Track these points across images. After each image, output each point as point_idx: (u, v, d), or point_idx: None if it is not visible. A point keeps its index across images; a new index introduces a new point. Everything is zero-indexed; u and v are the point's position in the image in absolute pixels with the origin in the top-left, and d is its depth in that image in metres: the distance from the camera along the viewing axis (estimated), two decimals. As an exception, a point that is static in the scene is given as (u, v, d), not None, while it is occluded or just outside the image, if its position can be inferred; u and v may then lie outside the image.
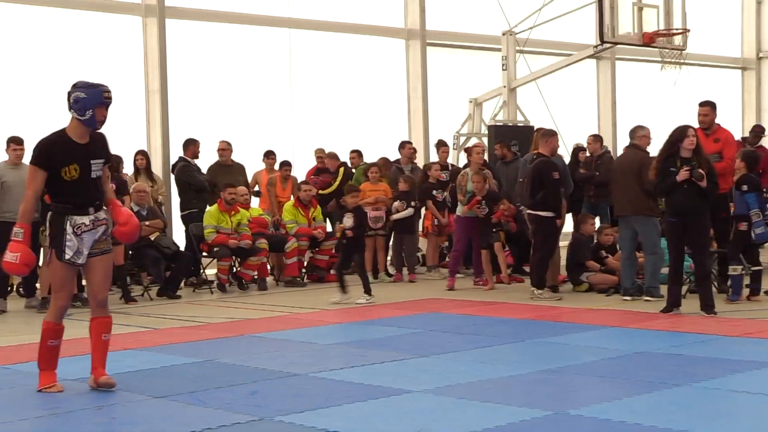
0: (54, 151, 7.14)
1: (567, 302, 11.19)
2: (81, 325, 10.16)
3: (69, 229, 7.00)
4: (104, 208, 7.26)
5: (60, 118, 13.24)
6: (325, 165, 15.18)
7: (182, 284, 13.11)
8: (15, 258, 6.90)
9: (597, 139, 14.61)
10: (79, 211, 7.05)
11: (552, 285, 11.74)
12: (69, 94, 7.36)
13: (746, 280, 10.76)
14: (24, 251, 6.93)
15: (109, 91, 7.35)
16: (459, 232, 13.19)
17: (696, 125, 10.65)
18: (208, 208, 13.20)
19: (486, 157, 14.73)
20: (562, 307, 10.78)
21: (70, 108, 7.33)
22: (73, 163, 7.14)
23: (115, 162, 12.40)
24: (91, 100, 7.28)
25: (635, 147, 11.31)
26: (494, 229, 12.66)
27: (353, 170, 15.05)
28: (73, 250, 7.05)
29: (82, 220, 7.04)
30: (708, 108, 11.42)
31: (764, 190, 11.17)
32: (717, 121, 11.68)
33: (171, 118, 15.25)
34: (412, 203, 13.69)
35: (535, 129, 13.98)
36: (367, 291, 11.49)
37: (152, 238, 12.59)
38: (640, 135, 11.34)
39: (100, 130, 7.41)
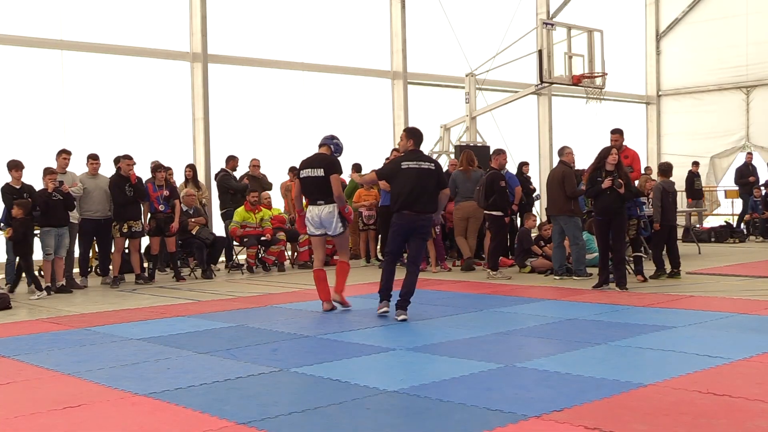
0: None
1: (514, 281, 11.22)
2: (141, 298, 10.22)
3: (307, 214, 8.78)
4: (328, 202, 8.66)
5: (130, 138, 13.43)
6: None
7: (220, 266, 13.15)
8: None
9: None
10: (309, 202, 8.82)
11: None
12: (332, 138, 8.87)
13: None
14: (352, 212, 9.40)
15: None
16: None
17: (613, 146, 10.70)
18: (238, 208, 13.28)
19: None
20: (511, 285, 10.82)
21: (330, 145, 8.78)
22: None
23: (167, 172, 12.40)
24: (341, 148, 8.86)
25: (563, 163, 11.38)
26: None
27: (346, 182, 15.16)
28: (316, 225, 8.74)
29: (313, 207, 8.72)
30: (618, 134, 11.49)
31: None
32: (625, 143, 11.75)
33: (211, 138, 15.27)
34: None
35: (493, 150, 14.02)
36: (38, 288, 10.50)
37: (193, 232, 12.59)
38: (566, 153, 11.43)
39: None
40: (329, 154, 8.66)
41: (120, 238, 11.69)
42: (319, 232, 8.70)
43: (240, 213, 13.03)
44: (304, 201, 8.96)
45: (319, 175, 8.44)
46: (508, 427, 4.27)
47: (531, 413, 4.49)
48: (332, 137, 8.87)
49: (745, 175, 18.18)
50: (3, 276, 11.05)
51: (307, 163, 8.63)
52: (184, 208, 12.62)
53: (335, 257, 14.18)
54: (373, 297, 9.77)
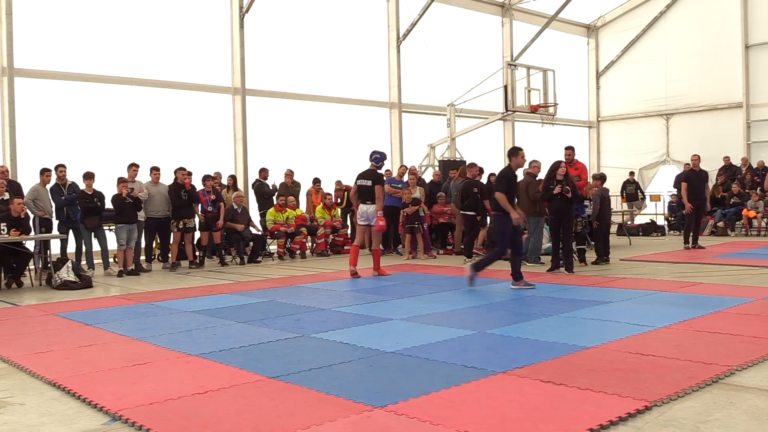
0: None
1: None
2: (194, 279, 10.21)
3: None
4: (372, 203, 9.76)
5: (185, 153, 13.43)
6: (343, 186, 15.26)
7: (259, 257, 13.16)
8: (384, 222, 9.85)
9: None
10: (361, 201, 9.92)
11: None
12: (371, 155, 9.96)
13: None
14: (384, 219, 9.91)
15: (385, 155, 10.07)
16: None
17: (563, 160, 10.68)
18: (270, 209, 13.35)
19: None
20: (483, 269, 10.82)
21: (372, 160, 9.94)
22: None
23: (214, 180, 12.38)
24: (383, 158, 9.98)
25: (529, 173, 11.31)
26: (416, 222, 12.54)
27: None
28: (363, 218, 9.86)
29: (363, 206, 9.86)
30: (570, 150, 11.46)
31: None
32: (576, 158, 11.72)
33: (249, 154, 15.26)
34: None
35: (467, 163, 14.01)
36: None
37: (239, 229, 12.56)
38: (533, 165, 11.31)
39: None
40: (373, 167, 9.87)
41: (177, 233, 11.69)
42: (365, 223, 9.90)
43: (271, 213, 13.18)
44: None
45: (367, 185, 9.79)
46: (481, 381, 4.27)
47: (498, 369, 4.49)
48: (372, 153, 10.00)
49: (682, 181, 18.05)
50: (85, 262, 11.04)
51: (361, 176, 9.97)
52: (235, 206, 12.63)
53: (345, 247, 14.31)
54: (375, 279, 9.80)
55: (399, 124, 18.07)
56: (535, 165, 11.29)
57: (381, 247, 13.66)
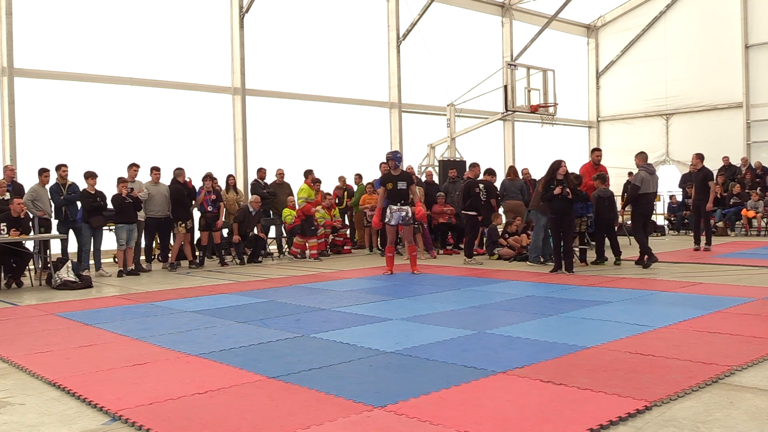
0: (385, 178, 10.12)
1: (485, 266, 11.18)
2: (194, 279, 10.21)
3: (388, 210, 9.99)
4: (406, 204, 10.00)
5: (185, 153, 13.39)
6: (345, 184, 15.25)
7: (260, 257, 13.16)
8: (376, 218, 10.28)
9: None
10: (393, 203, 9.99)
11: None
12: (387, 155, 10.22)
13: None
14: (378, 216, 10.22)
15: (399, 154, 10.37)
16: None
17: (563, 160, 10.48)
18: (301, 186, 13.45)
19: (437, 179, 14.83)
20: (482, 269, 10.80)
21: (389, 160, 10.14)
22: (390, 182, 9.99)
23: (212, 180, 12.34)
24: (399, 158, 10.19)
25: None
26: (416, 224, 12.49)
27: (354, 189, 15.09)
28: (388, 218, 10.00)
29: (394, 206, 9.97)
30: (598, 151, 11.54)
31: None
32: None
33: (249, 154, 15.27)
34: None
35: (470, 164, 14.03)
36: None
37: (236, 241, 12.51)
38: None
39: (404, 168, 10.49)
40: (407, 168, 10.52)
41: (184, 233, 11.70)
42: (395, 223, 10.25)
43: (305, 189, 13.08)
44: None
45: (404, 187, 10.14)
46: (481, 381, 4.27)
47: (498, 369, 4.49)
48: (395, 154, 10.29)
49: (688, 180, 18.10)
50: (91, 261, 11.03)
51: (397, 178, 10.23)
52: (250, 209, 12.56)
53: (345, 247, 14.33)
54: (375, 278, 9.78)
55: (399, 124, 18.07)
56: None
57: (378, 248, 13.89)
